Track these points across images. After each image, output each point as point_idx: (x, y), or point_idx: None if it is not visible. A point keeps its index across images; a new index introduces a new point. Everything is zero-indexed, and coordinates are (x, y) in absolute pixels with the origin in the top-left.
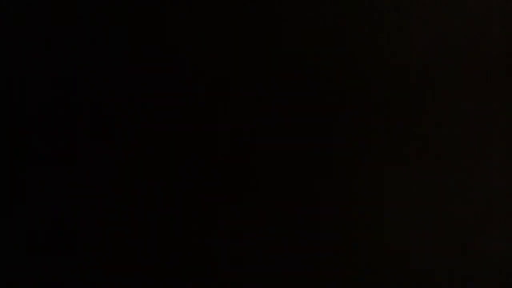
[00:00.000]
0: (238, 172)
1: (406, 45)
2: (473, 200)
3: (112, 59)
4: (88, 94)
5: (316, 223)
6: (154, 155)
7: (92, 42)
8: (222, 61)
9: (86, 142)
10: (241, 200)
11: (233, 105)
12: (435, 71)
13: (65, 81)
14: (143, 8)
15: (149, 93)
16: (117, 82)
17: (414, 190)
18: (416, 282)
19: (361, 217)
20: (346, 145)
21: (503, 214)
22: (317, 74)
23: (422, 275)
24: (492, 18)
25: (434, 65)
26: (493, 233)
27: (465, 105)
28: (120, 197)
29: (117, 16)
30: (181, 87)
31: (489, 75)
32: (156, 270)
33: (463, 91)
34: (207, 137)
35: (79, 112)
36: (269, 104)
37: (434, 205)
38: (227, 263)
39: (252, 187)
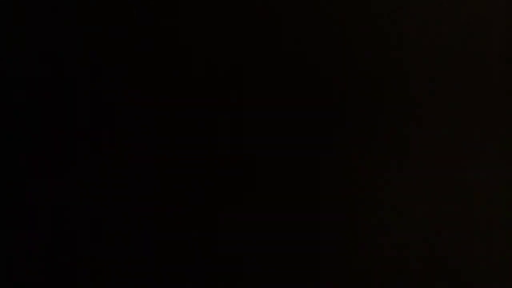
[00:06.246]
0: (238, 172)
1: (406, 45)
2: (473, 200)
3: (110, 58)
4: (88, 93)
5: (316, 223)
6: (154, 156)
7: (94, 41)
8: (222, 61)
9: (86, 141)
10: (242, 200)
11: (234, 105)
12: (435, 71)
13: (66, 80)
14: (140, 7)
15: (149, 93)
16: (116, 81)
17: (414, 190)
18: (416, 282)
19: (362, 217)
20: (346, 145)
21: (503, 214)
22: (317, 75)
23: (421, 275)
24: (492, 18)
25: (434, 65)
26: (493, 233)
27: (465, 105)
28: (120, 197)
29: (118, 15)
30: (181, 86)
31: (489, 75)
32: (156, 271)
33: (463, 91)
34: (208, 136)
35: (78, 112)
36: (270, 104)
37: (434, 205)
38: (227, 263)
39: (253, 186)
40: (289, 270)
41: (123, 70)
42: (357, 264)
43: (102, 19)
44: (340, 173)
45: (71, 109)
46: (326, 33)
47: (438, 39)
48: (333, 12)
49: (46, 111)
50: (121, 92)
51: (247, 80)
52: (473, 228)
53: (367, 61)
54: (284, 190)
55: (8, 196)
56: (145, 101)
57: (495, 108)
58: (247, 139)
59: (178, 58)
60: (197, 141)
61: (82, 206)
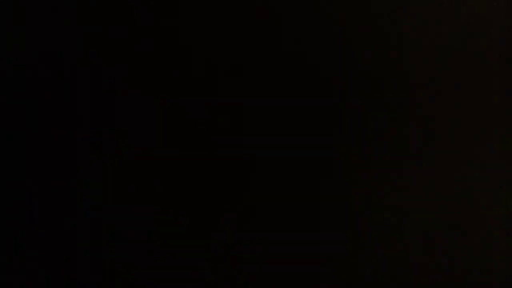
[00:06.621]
0: (238, 172)
1: (406, 45)
2: (473, 200)
3: (110, 58)
4: (88, 93)
5: (316, 224)
6: (154, 156)
7: (94, 41)
8: (222, 61)
9: (86, 141)
10: (241, 200)
11: (234, 105)
12: (435, 71)
13: (66, 80)
14: (140, 7)
15: (149, 93)
16: (116, 81)
17: (414, 189)
18: (416, 282)
19: (362, 217)
20: (346, 145)
21: (503, 214)
22: (317, 75)
23: (421, 275)
24: (492, 18)
25: (434, 65)
26: (493, 233)
27: (465, 105)
28: (120, 197)
29: (117, 14)
30: (180, 86)
31: (489, 76)
32: (156, 271)
33: (463, 91)
34: (207, 136)
35: (78, 112)
36: (270, 103)
37: (434, 205)
38: (228, 264)
39: (253, 186)
40: (289, 270)
41: (123, 70)
42: (357, 264)
43: (102, 19)
44: (340, 173)
45: (71, 109)
46: (326, 33)
47: (438, 39)
48: (333, 12)
49: (46, 111)
50: (121, 92)
51: (247, 80)
52: (473, 228)
53: (367, 61)
54: (284, 190)
55: (8, 196)
56: (145, 101)
57: (495, 108)
58: (247, 138)
59: (178, 58)
60: (197, 141)
61: (81, 206)
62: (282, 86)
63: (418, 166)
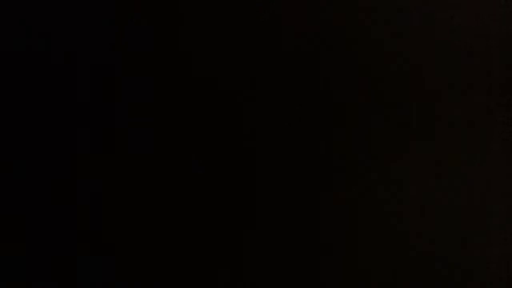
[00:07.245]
0: (238, 174)
1: (406, 45)
2: (473, 200)
3: (111, 59)
4: (88, 94)
5: (316, 224)
6: (154, 159)
7: (95, 42)
8: (222, 61)
9: (86, 143)
10: (241, 199)
11: (233, 105)
12: (435, 71)
13: (66, 81)
14: (139, 7)
15: (149, 95)
16: (116, 82)
17: (414, 190)
18: (416, 281)
19: (362, 218)
20: (346, 145)
21: (503, 214)
22: (318, 75)
23: (422, 275)
24: (492, 18)
25: (434, 65)
26: (493, 233)
27: (465, 105)
28: (119, 198)
29: (118, 15)
30: (181, 88)
31: (489, 75)
32: (156, 272)
33: (463, 91)
34: (208, 137)
35: (78, 113)
36: (270, 103)
37: (434, 205)
38: (228, 264)
39: (253, 186)
40: (289, 271)
41: (123, 70)
42: (357, 265)
43: (102, 19)
44: (340, 173)
45: (71, 109)
46: (326, 33)
47: (438, 39)
48: (333, 12)
49: (46, 110)
50: (121, 92)
51: (247, 80)
52: (473, 228)
53: (367, 61)
54: (284, 190)
55: (7, 196)
56: (145, 101)
57: (495, 108)
58: (246, 138)
59: (178, 58)
60: (197, 141)
61: (80, 206)
62: (282, 86)
63: (419, 166)
